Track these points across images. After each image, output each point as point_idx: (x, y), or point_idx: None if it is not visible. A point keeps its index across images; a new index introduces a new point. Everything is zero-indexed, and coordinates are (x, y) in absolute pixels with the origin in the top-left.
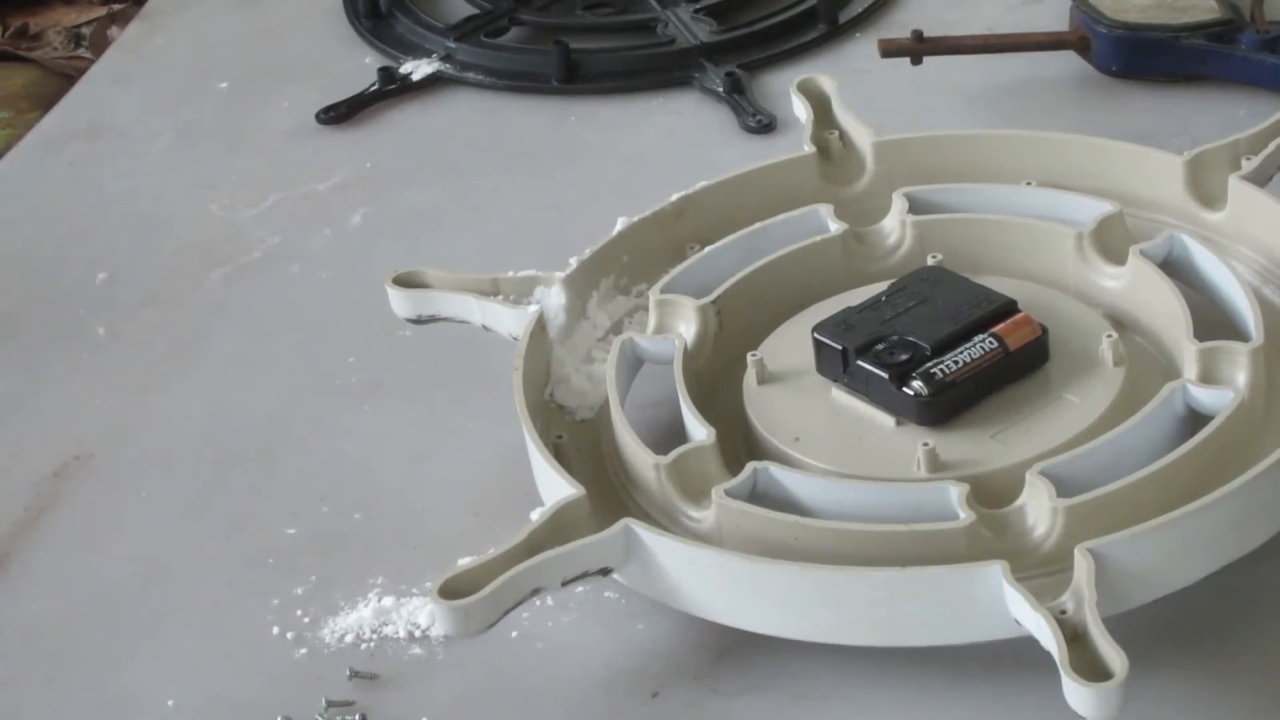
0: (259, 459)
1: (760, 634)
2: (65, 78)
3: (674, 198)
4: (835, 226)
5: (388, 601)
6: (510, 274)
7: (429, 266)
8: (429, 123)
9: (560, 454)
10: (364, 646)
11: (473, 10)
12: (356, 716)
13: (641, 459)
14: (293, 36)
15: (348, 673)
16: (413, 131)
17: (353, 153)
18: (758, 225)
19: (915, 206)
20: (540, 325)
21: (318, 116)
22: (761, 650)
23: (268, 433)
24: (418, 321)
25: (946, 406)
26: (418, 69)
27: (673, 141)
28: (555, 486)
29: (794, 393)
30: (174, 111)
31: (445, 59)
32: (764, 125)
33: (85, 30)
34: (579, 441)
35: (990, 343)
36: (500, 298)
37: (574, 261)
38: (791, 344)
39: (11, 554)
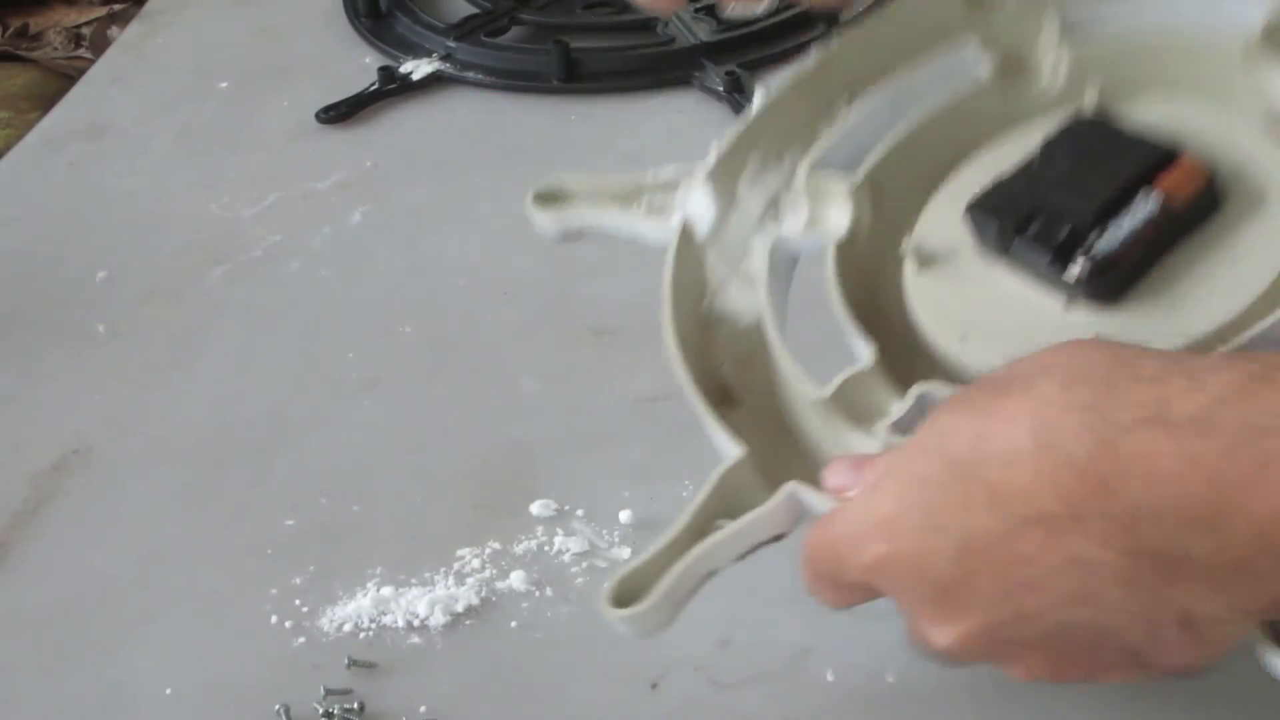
0: (258, 452)
1: (761, 624)
2: (65, 78)
3: (811, 52)
4: (984, 63)
5: (386, 591)
6: (651, 175)
7: (569, 176)
8: (429, 122)
9: (724, 389)
10: (362, 635)
11: (473, 10)
12: (355, 704)
13: (803, 393)
14: (293, 36)
15: (346, 661)
16: (413, 131)
17: (352, 152)
18: (903, 77)
19: (1068, 26)
20: (686, 238)
21: (318, 116)
22: (763, 641)
23: (267, 427)
24: (565, 238)
25: (1114, 284)
26: (418, 68)
27: (673, 141)
28: (717, 440)
29: (955, 277)
30: (174, 111)
31: (445, 58)
32: None
33: (85, 30)
34: (744, 359)
35: (1154, 202)
36: (642, 207)
37: (714, 148)
38: (948, 216)
39: (10, 546)
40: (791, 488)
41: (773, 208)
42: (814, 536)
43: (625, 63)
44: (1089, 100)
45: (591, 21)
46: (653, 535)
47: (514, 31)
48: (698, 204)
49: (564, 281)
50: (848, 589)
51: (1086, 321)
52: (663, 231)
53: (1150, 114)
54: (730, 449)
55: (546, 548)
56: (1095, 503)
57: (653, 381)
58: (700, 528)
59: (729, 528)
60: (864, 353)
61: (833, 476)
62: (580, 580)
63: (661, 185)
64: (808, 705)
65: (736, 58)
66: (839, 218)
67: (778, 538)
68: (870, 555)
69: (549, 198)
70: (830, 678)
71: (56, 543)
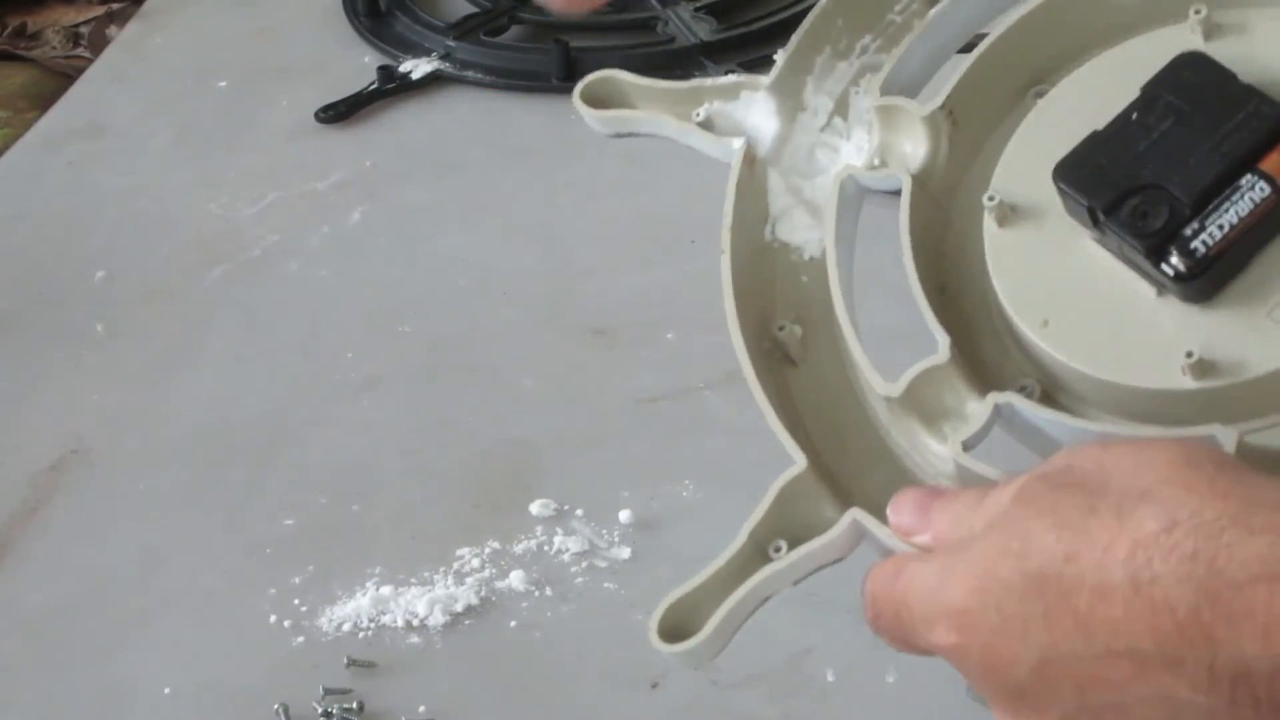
0: (257, 452)
1: (761, 624)
2: (64, 77)
3: None
4: None
5: (386, 591)
6: (711, 81)
7: (622, 74)
8: (428, 121)
9: (782, 349)
10: (361, 635)
11: (472, 9)
12: (354, 704)
13: (870, 384)
14: (292, 35)
15: (345, 661)
16: (412, 130)
17: (352, 151)
18: None
19: None
20: (748, 164)
21: (317, 115)
22: (763, 641)
23: (266, 427)
24: (616, 136)
25: (1211, 282)
26: (417, 67)
27: (673, 140)
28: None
29: (1040, 240)
30: (173, 110)
31: (445, 57)
32: None
33: (84, 29)
34: (806, 309)
35: (1260, 189)
36: (700, 115)
37: (779, 58)
38: (1035, 160)
39: (9, 545)
40: (855, 515)
41: (840, 111)
42: (877, 586)
43: (625, 62)
44: (1197, 15)
45: (591, 21)
46: (652, 535)
47: (514, 30)
48: (759, 119)
49: (564, 281)
50: (913, 649)
51: (1179, 320)
52: (718, 146)
53: (1271, 40)
54: (791, 454)
55: (546, 547)
56: (1195, 650)
57: (653, 381)
58: (757, 546)
59: (788, 558)
60: (939, 341)
61: (898, 514)
62: (580, 580)
63: (722, 91)
64: (808, 705)
65: (736, 57)
66: (913, 149)
67: (838, 560)
68: (941, 640)
69: (599, 98)
70: (830, 678)
71: (55, 542)
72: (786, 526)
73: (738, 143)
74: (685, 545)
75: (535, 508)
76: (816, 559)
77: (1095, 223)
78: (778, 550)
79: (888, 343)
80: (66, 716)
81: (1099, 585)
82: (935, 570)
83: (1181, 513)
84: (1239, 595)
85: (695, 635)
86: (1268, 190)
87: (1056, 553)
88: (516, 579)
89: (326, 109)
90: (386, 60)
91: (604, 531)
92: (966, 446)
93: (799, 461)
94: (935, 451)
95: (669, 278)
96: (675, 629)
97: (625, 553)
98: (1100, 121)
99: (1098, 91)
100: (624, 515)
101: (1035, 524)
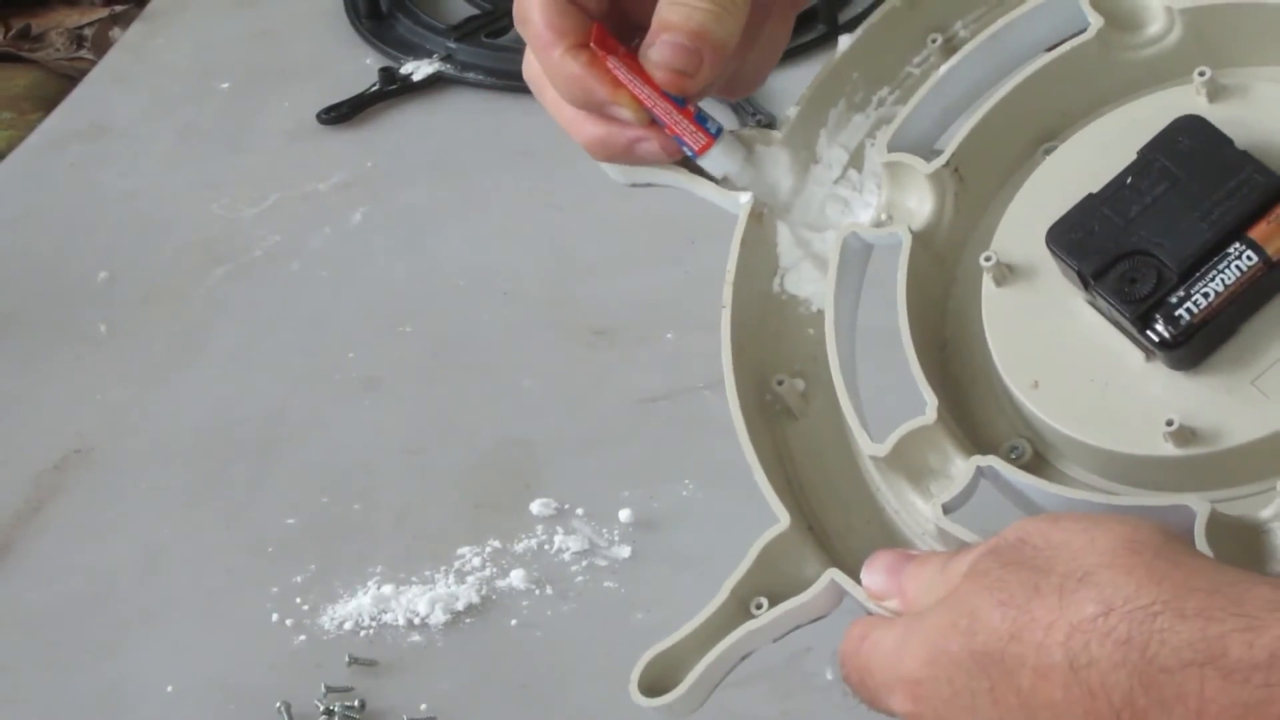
0: (259, 452)
1: None
2: (67, 78)
3: None
4: (1092, 19)
5: (387, 589)
6: (731, 131)
7: None
8: (430, 123)
9: (783, 409)
10: (363, 633)
11: (473, 10)
12: (355, 702)
13: (859, 444)
14: (293, 37)
15: (347, 659)
16: (413, 131)
17: (353, 152)
18: (1000, 24)
19: None
20: (755, 218)
21: (318, 116)
22: None
23: (268, 427)
24: (633, 187)
25: (1196, 350)
26: (418, 69)
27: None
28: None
29: (1035, 299)
30: (175, 112)
31: (446, 59)
32: (764, 124)
33: (87, 31)
34: (809, 364)
35: (1248, 258)
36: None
37: (793, 111)
38: (1033, 220)
39: (12, 544)
40: (833, 576)
41: (856, 164)
42: (846, 649)
43: None
44: (1201, 77)
45: None
46: (652, 534)
47: (514, 32)
48: (771, 172)
49: (564, 281)
50: (878, 710)
51: (1165, 386)
52: (729, 200)
53: (1271, 103)
54: (776, 513)
55: (546, 546)
56: None
57: (653, 381)
58: (739, 603)
59: (767, 615)
60: (927, 402)
61: (872, 577)
62: (580, 579)
63: (741, 138)
64: (806, 704)
65: None
66: (918, 206)
67: (819, 618)
68: (899, 706)
69: None
70: (829, 676)
71: (58, 541)
72: (769, 584)
73: (744, 198)
74: (685, 545)
75: (536, 507)
76: (796, 617)
77: (1085, 286)
78: (759, 607)
79: (896, 398)
80: (69, 714)
81: (1040, 666)
82: (895, 638)
83: (1117, 598)
84: (1171, 680)
85: (673, 690)
86: (1255, 259)
87: (1001, 631)
88: (517, 578)
89: (328, 110)
90: (388, 62)
91: (604, 531)
92: (948, 509)
93: (783, 520)
94: (921, 510)
95: (669, 278)
96: (655, 683)
97: (625, 552)
98: (1099, 183)
99: (1101, 152)
100: (624, 515)
101: (983, 600)
